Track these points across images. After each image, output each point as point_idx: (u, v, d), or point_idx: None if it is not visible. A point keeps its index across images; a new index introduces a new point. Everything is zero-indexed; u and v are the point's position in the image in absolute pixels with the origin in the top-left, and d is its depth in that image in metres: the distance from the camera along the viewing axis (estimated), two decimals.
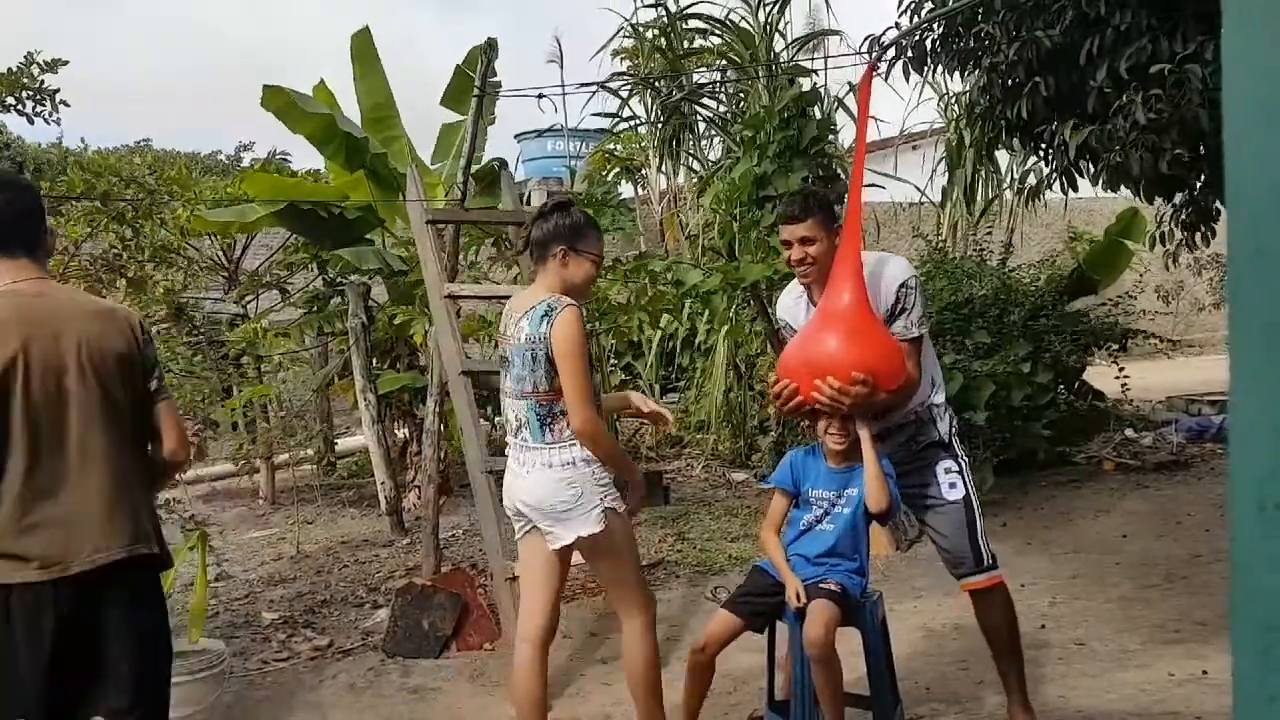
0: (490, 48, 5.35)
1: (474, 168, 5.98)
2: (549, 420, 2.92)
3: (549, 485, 2.90)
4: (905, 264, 3.18)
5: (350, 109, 7.72)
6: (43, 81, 4.13)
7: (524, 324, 2.95)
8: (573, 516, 2.90)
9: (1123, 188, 4.40)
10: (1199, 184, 4.47)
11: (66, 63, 4.19)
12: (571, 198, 3.31)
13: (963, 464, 3.23)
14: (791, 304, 3.33)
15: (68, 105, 4.22)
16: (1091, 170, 4.34)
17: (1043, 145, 4.61)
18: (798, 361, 3.00)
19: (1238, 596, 0.68)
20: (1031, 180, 10.06)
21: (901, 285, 3.07)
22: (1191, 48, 3.67)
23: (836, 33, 9.05)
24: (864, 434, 2.95)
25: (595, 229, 3.09)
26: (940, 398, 3.23)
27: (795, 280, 3.32)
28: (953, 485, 3.18)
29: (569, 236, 2.98)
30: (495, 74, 7.11)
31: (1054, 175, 4.72)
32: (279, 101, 7.04)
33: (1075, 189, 4.72)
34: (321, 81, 7.75)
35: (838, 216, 3.14)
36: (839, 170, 7.55)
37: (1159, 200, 4.80)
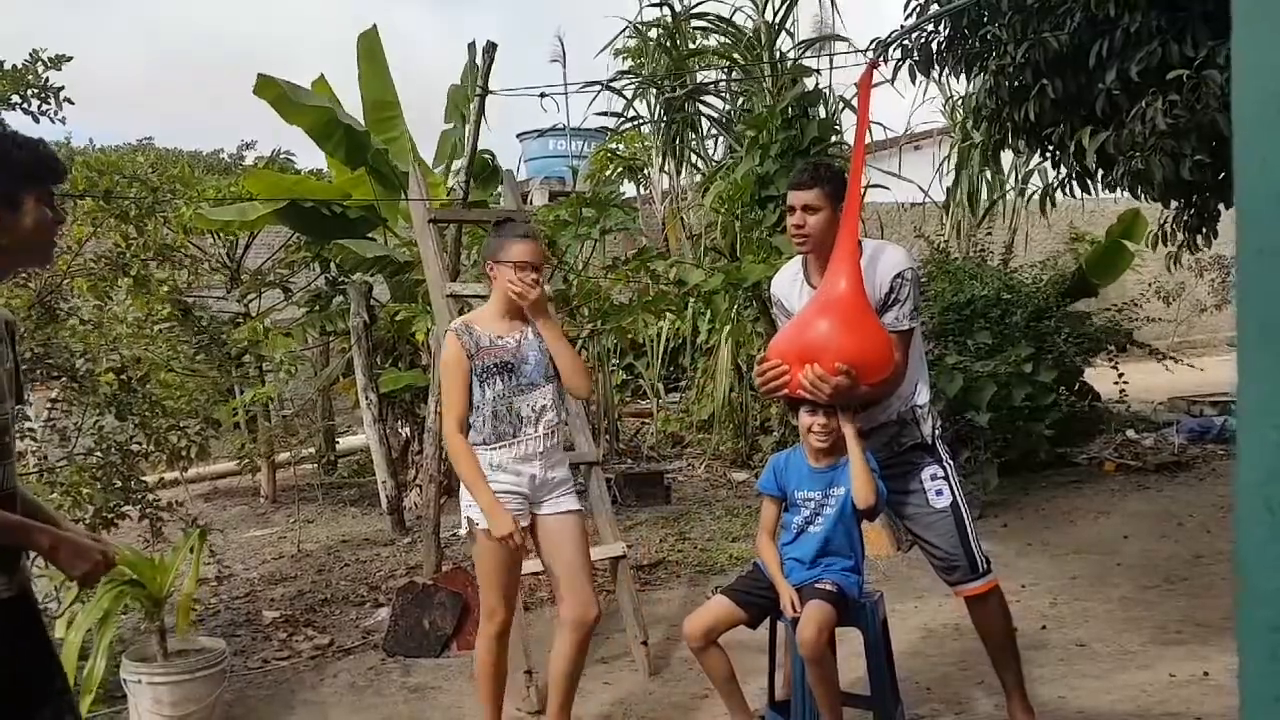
0: (492, 49, 5.34)
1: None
2: None
3: None
4: (905, 254, 3.15)
5: (352, 107, 7.71)
6: (47, 79, 4.12)
7: None
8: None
9: (1129, 191, 4.38)
10: (1205, 188, 4.46)
11: (70, 59, 4.17)
12: (507, 215, 3.50)
13: (948, 468, 3.17)
14: (787, 283, 3.29)
15: (72, 103, 4.21)
16: (1107, 174, 4.31)
17: (1050, 148, 4.59)
18: (788, 346, 2.97)
19: (1244, 598, 0.68)
20: (1035, 181, 10.08)
21: (898, 275, 3.03)
22: (1203, 52, 3.65)
23: (844, 39, 9.03)
24: (848, 431, 2.92)
25: (512, 236, 3.25)
26: (924, 399, 3.18)
27: (795, 259, 3.30)
28: (939, 492, 3.12)
29: (492, 253, 3.24)
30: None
31: (1064, 179, 4.69)
32: (272, 92, 6.99)
33: (1087, 193, 4.68)
34: (321, 77, 7.72)
35: (844, 195, 3.08)
36: (842, 171, 7.55)
37: (1173, 203, 4.78)
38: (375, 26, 7.62)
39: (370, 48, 7.67)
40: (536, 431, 3.17)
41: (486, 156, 7.64)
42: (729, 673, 3.08)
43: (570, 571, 3.22)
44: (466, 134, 5.42)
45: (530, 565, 4.49)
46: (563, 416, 3.41)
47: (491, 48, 5.29)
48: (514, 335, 3.21)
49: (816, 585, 2.91)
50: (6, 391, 2.03)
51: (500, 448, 3.13)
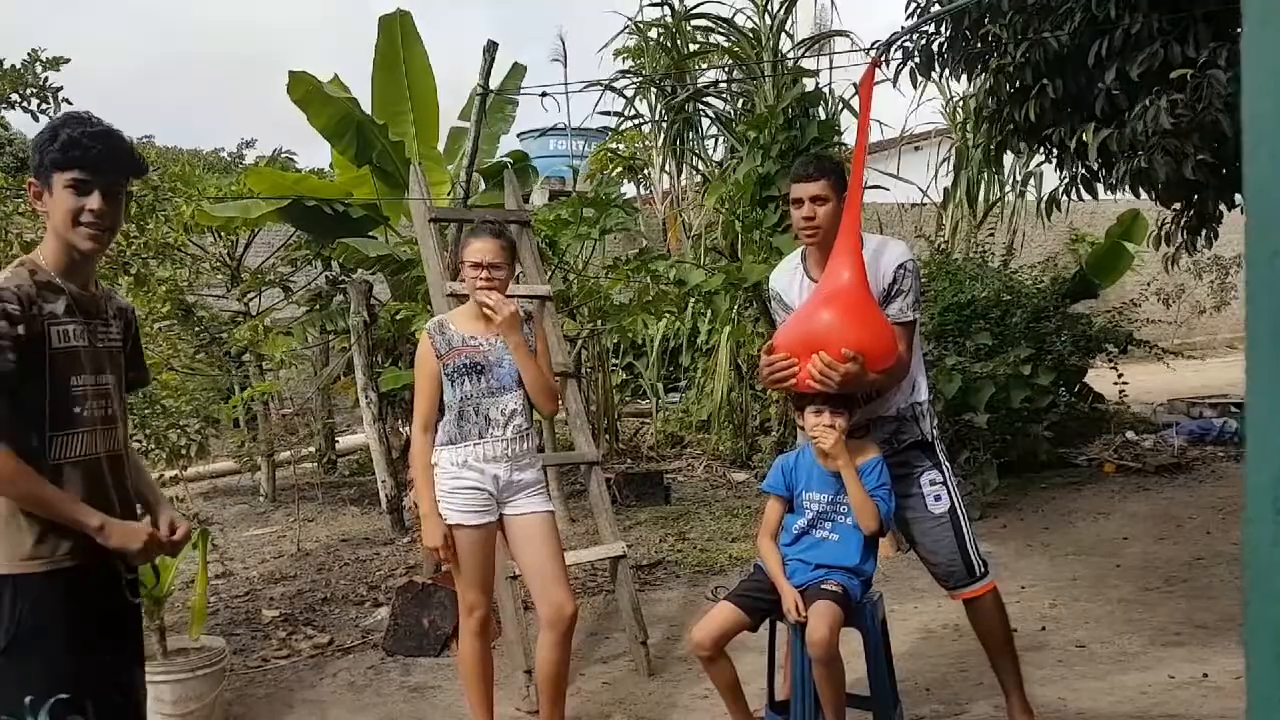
0: (492, 49, 5.35)
1: (482, 167, 5.98)
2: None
3: None
4: (905, 247, 3.16)
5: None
6: (46, 79, 4.13)
7: None
8: None
9: (1131, 190, 4.38)
10: (1206, 188, 4.45)
11: (68, 60, 4.21)
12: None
13: (946, 472, 3.16)
14: (786, 277, 3.28)
15: (70, 103, 4.24)
16: (1108, 174, 4.31)
17: (1051, 148, 4.59)
18: (794, 339, 2.95)
19: (1252, 600, 0.68)
20: (1034, 183, 10.07)
21: (900, 266, 3.04)
22: (1204, 54, 3.65)
23: (844, 33, 9.04)
24: (842, 461, 2.88)
25: (473, 234, 3.29)
26: (924, 396, 3.18)
27: (793, 253, 3.30)
28: (938, 498, 3.12)
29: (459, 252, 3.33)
30: (519, 85, 7.13)
31: (1069, 182, 4.68)
32: (303, 89, 6.97)
33: (1095, 196, 4.67)
34: (335, 77, 7.73)
35: (846, 187, 3.09)
36: (842, 163, 7.56)
37: (1174, 204, 4.77)
38: (410, 13, 7.47)
39: (406, 32, 7.51)
40: (504, 434, 3.17)
41: (507, 161, 7.65)
42: (734, 680, 3.08)
43: (540, 571, 3.22)
44: (469, 132, 5.42)
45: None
46: (533, 421, 3.38)
47: (492, 47, 5.30)
48: (488, 337, 3.20)
49: (822, 586, 2.90)
50: (108, 365, 2.26)
51: (465, 446, 3.15)
